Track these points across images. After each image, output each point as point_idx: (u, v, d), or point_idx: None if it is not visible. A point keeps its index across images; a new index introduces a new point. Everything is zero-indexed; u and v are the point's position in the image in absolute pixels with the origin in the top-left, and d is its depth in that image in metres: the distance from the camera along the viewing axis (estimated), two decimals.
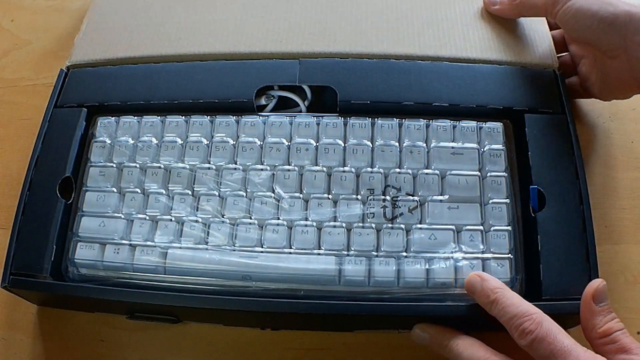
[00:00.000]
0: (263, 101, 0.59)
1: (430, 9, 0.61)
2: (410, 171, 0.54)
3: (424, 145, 0.55)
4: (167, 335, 0.57)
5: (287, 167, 0.55)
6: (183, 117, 0.58)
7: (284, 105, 0.60)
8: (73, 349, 0.57)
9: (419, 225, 0.52)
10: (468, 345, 0.47)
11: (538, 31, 0.60)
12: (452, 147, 0.55)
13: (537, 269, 0.50)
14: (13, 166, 0.65)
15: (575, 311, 0.48)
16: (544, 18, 0.60)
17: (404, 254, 0.52)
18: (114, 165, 0.56)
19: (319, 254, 0.52)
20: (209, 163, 0.56)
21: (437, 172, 0.54)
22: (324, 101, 0.60)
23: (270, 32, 0.60)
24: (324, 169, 0.55)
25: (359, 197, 0.54)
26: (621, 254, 0.57)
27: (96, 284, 0.52)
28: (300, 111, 0.59)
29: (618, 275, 0.56)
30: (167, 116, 0.58)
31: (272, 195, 0.54)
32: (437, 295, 0.51)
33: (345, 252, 0.52)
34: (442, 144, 0.55)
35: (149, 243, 0.53)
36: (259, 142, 0.56)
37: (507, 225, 0.52)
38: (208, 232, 0.53)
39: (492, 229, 0.52)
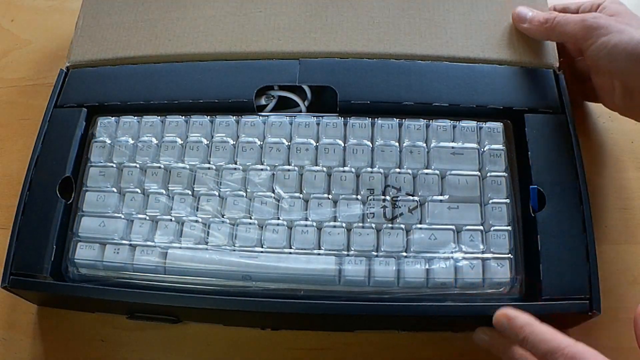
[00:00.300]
0: (263, 101, 0.59)
1: (430, 8, 0.60)
2: (410, 171, 0.54)
3: (424, 145, 0.55)
4: (167, 335, 0.57)
5: (287, 167, 0.55)
6: (183, 117, 0.58)
7: (284, 105, 0.60)
8: (73, 349, 0.57)
9: (419, 225, 0.52)
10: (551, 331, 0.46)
11: None
12: (452, 147, 0.55)
13: (537, 269, 0.50)
14: (13, 166, 0.65)
15: (574, 311, 0.48)
16: None
17: (404, 254, 0.52)
18: (114, 165, 0.56)
19: (319, 254, 0.52)
20: (209, 163, 0.56)
21: (437, 172, 0.54)
22: (324, 101, 0.60)
23: (270, 31, 0.60)
24: (324, 169, 0.55)
25: (359, 197, 0.54)
26: (621, 254, 0.57)
27: (96, 284, 0.52)
28: (300, 111, 0.59)
29: (618, 275, 0.56)
30: (167, 116, 0.58)
31: (272, 195, 0.54)
32: (437, 295, 0.51)
33: (345, 252, 0.52)
34: (442, 144, 0.55)
35: (149, 243, 0.53)
36: (259, 142, 0.56)
37: (507, 225, 0.52)
38: (208, 232, 0.53)
39: (492, 229, 0.52)
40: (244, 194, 0.54)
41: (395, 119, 0.56)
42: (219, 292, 0.51)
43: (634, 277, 0.57)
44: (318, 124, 0.57)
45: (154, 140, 0.57)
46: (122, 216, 0.55)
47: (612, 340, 0.54)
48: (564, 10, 0.59)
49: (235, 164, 0.56)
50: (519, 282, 0.51)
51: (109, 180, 0.56)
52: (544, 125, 0.54)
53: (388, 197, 0.53)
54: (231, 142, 0.56)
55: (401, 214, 0.53)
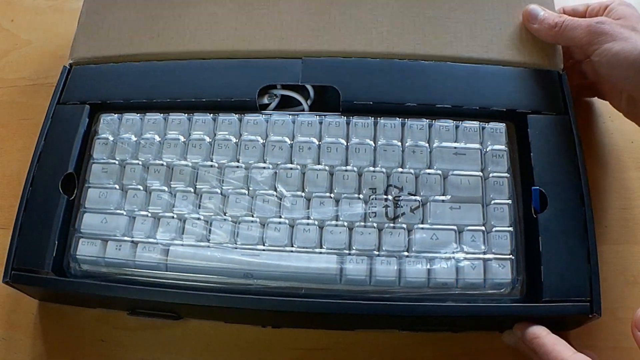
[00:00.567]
0: (266, 100, 0.59)
1: (435, 6, 0.60)
2: (412, 171, 0.54)
3: (427, 145, 0.55)
4: (167, 335, 0.57)
5: (289, 165, 0.55)
6: (186, 114, 0.58)
7: (286, 104, 0.60)
8: (73, 348, 0.57)
9: (421, 225, 0.52)
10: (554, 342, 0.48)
11: None
12: (455, 148, 0.55)
13: (538, 270, 0.50)
14: (13, 166, 0.65)
15: (575, 313, 0.48)
16: None
17: (406, 253, 0.52)
18: (117, 162, 0.56)
19: (320, 253, 0.52)
20: (212, 161, 0.56)
21: (439, 172, 0.54)
22: (327, 100, 0.60)
23: (273, 29, 0.60)
24: (327, 167, 0.55)
25: (361, 196, 0.54)
26: (621, 254, 0.57)
27: (97, 280, 0.53)
28: (303, 110, 0.59)
29: (618, 275, 0.57)
30: (170, 114, 0.58)
31: (274, 193, 0.54)
32: (438, 295, 0.51)
33: (347, 251, 0.52)
34: (444, 144, 0.55)
35: (150, 240, 0.53)
36: (261, 141, 0.56)
37: (508, 226, 0.52)
38: (210, 230, 0.53)
39: (493, 229, 0.52)
40: (246, 192, 0.54)
41: (398, 118, 0.56)
42: (220, 290, 0.51)
43: (634, 277, 0.57)
44: (321, 123, 0.57)
45: (157, 138, 0.57)
46: (124, 213, 0.55)
47: (612, 340, 0.54)
48: (573, 12, 0.59)
49: (238, 162, 0.56)
50: (520, 283, 0.51)
51: (111, 177, 0.56)
52: (546, 126, 0.54)
53: (390, 197, 0.53)
54: (234, 140, 0.56)
55: (403, 214, 0.53)
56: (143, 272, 0.53)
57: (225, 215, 0.54)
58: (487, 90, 0.56)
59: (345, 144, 0.56)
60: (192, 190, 0.55)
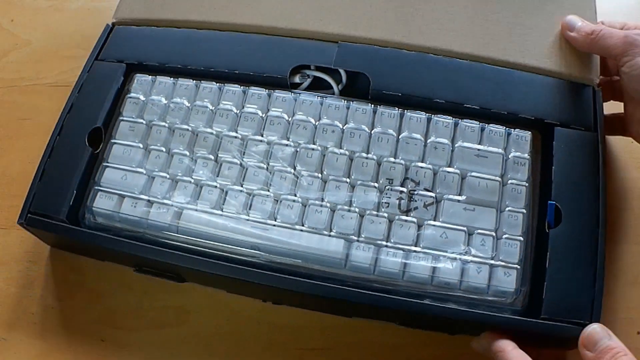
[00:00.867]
0: (297, 79, 0.59)
1: (476, 7, 0.60)
2: (431, 167, 0.54)
3: (449, 143, 0.55)
4: (168, 335, 0.57)
5: (311, 145, 0.55)
6: (217, 84, 0.59)
7: (317, 86, 0.60)
8: (73, 348, 0.57)
9: (432, 222, 0.52)
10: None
11: None
12: (478, 149, 0.54)
13: (542, 286, 0.49)
14: (13, 166, 0.66)
15: (572, 335, 0.47)
16: None
17: (413, 248, 0.51)
18: (144, 123, 0.58)
19: (329, 236, 0.52)
20: (236, 132, 0.57)
21: (458, 171, 0.54)
22: (357, 87, 0.60)
23: (314, 10, 0.60)
24: (347, 152, 0.55)
25: (377, 185, 0.54)
26: (621, 254, 0.57)
27: (109, 233, 0.54)
28: (333, 94, 0.59)
29: (618, 275, 0.56)
30: (202, 81, 0.59)
31: (293, 171, 0.55)
32: (439, 294, 0.50)
33: (355, 238, 0.52)
34: (467, 144, 0.55)
35: (166, 201, 0.54)
36: (287, 118, 0.57)
37: (519, 235, 0.51)
38: (225, 199, 0.54)
39: (504, 236, 0.51)
40: (265, 167, 0.55)
41: (424, 113, 0.56)
42: (227, 259, 0.52)
43: (634, 277, 0.56)
44: (348, 108, 0.57)
45: (186, 103, 0.58)
46: (144, 172, 0.56)
47: None
48: (610, 25, 0.58)
49: (262, 136, 0.56)
50: (522, 295, 0.50)
51: (137, 136, 0.57)
52: (572, 141, 0.53)
53: (405, 190, 0.53)
54: (260, 114, 0.57)
55: (416, 208, 0.53)
56: (154, 232, 0.54)
57: (241, 186, 0.55)
58: (518, 96, 0.55)
59: (368, 131, 0.56)
60: (213, 158, 0.56)
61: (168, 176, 0.56)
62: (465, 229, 0.52)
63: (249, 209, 0.54)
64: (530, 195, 0.53)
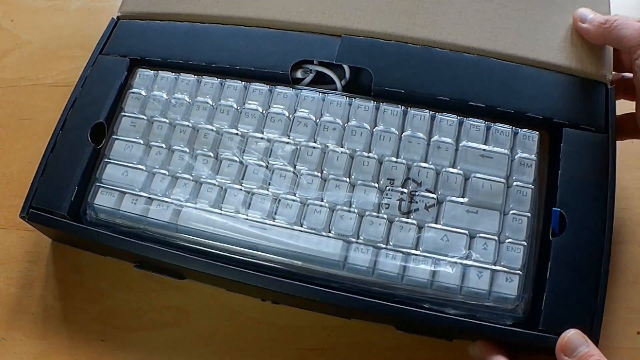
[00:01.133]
0: (299, 74, 0.58)
1: (484, 0, 0.57)
2: (434, 167, 0.52)
3: (453, 142, 0.53)
4: (168, 335, 0.57)
5: (311, 143, 0.54)
6: (218, 79, 0.58)
7: (321, 81, 0.59)
8: (73, 348, 0.57)
9: (433, 224, 0.51)
10: None
11: None
12: (483, 150, 0.52)
13: (542, 296, 0.47)
14: (13, 166, 0.66)
15: None
16: None
17: (413, 250, 0.50)
18: (145, 118, 0.57)
19: (328, 237, 0.51)
20: (236, 129, 0.56)
21: (461, 172, 0.52)
22: (361, 82, 0.58)
23: (316, 3, 0.59)
24: (348, 150, 0.54)
25: (378, 185, 0.52)
26: (621, 254, 0.55)
27: (110, 230, 0.54)
28: (336, 89, 0.58)
29: (618, 275, 0.55)
30: (204, 77, 0.58)
31: (292, 170, 0.54)
32: (438, 299, 0.49)
33: (354, 239, 0.51)
34: (472, 144, 0.53)
35: (165, 199, 0.54)
36: (287, 115, 0.55)
37: (523, 240, 0.49)
38: (224, 197, 0.53)
39: (507, 240, 0.50)
40: (265, 165, 0.54)
41: (428, 111, 0.54)
42: (225, 258, 0.51)
43: (634, 277, 0.55)
44: (350, 105, 0.55)
45: (187, 99, 0.57)
46: (145, 169, 0.55)
47: (611, 340, 0.53)
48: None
49: (262, 133, 0.55)
50: (524, 301, 0.48)
51: (138, 131, 0.57)
52: (581, 143, 0.51)
53: (406, 190, 0.52)
54: (261, 110, 0.56)
55: (416, 210, 0.51)
56: (154, 229, 0.54)
57: (241, 185, 0.54)
58: (526, 93, 0.53)
59: (370, 129, 0.54)
60: (213, 155, 0.55)
61: (168, 173, 0.55)
62: (467, 232, 0.50)
63: (248, 207, 0.53)
64: (536, 198, 0.51)
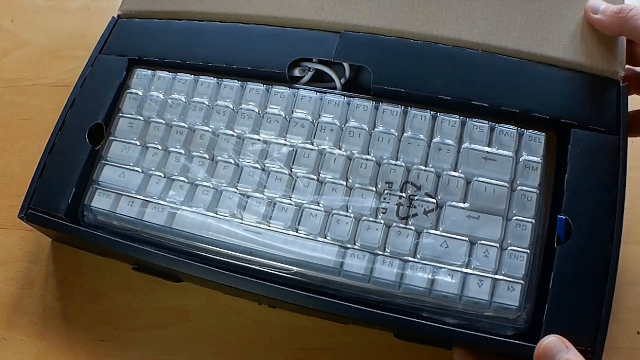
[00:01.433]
0: (297, 72, 0.56)
1: None
2: (434, 170, 0.50)
3: (455, 144, 0.50)
4: (167, 335, 0.57)
5: (308, 145, 0.52)
6: (215, 79, 0.56)
7: (320, 79, 0.57)
8: (73, 348, 0.57)
9: (432, 230, 0.49)
10: None
11: None
12: (486, 152, 0.50)
13: (544, 306, 0.45)
14: (13, 166, 0.66)
15: None
16: None
17: (410, 257, 0.48)
18: (142, 119, 0.56)
19: (323, 242, 0.50)
20: (232, 130, 0.54)
21: (463, 175, 0.49)
22: (361, 80, 0.56)
23: None
24: (345, 153, 0.52)
25: (375, 189, 0.50)
26: (621, 254, 0.52)
27: (107, 232, 0.53)
28: (335, 88, 0.56)
29: (618, 275, 0.51)
30: (201, 76, 0.57)
31: (288, 172, 0.52)
32: (437, 307, 0.47)
33: (350, 245, 0.49)
34: (474, 145, 0.50)
35: (160, 202, 0.53)
36: (284, 115, 0.54)
37: (526, 248, 0.47)
38: (219, 200, 0.52)
39: (509, 247, 0.47)
40: (261, 167, 0.53)
41: (429, 111, 0.52)
42: (220, 262, 0.50)
43: (634, 277, 0.54)
44: (348, 104, 0.53)
45: (184, 99, 0.56)
46: (141, 171, 0.55)
47: (611, 340, 0.50)
48: None
49: (258, 134, 0.54)
50: (526, 312, 0.46)
51: (135, 132, 0.56)
52: (590, 146, 0.48)
53: (405, 194, 0.50)
54: (257, 111, 0.54)
55: (415, 215, 0.49)
56: (150, 232, 0.53)
57: (236, 187, 0.53)
58: (532, 91, 0.50)
59: (369, 130, 0.52)
60: (209, 157, 0.54)
61: (164, 175, 0.54)
62: (467, 238, 0.48)
63: (243, 211, 0.52)
64: (541, 203, 0.48)
